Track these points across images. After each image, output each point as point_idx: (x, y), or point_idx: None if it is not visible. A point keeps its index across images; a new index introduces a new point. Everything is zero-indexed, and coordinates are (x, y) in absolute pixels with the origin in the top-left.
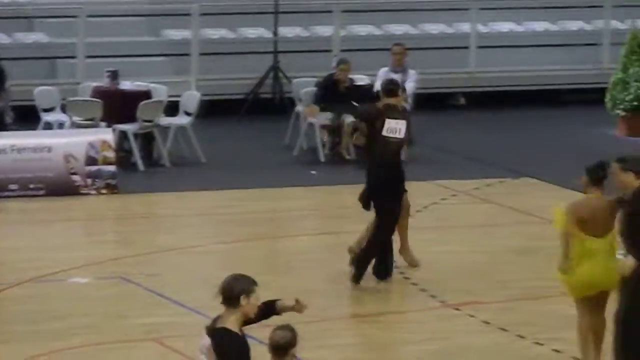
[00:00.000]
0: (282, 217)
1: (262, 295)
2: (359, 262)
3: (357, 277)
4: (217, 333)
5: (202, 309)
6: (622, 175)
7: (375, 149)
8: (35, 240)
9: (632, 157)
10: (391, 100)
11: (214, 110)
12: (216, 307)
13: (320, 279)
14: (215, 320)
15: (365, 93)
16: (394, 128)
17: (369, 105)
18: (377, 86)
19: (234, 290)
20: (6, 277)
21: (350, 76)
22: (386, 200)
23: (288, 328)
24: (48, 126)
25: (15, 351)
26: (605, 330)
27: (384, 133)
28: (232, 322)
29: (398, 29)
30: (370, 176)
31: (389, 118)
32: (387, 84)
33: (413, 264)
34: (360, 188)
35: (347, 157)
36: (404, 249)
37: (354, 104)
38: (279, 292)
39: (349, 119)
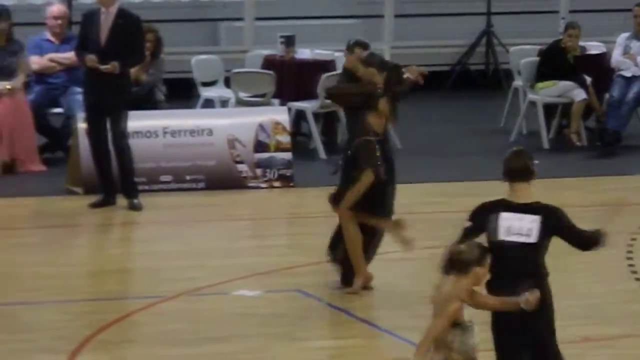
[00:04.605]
0: None
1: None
2: None
3: None
4: None
5: (397, 330)
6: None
7: None
8: (191, 243)
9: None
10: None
11: None
12: (413, 328)
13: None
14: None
15: (598, 64)
16: None
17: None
18: (616, 56)
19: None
20: (155, 288)
21: (581, 43)
22: None
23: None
24: (208, 104)
25: None
26: None
27: None
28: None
29: None
30: None
31: None
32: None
33: None
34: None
35: (577, 143)
36: None
37: (585, 77)
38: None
39: (580, 95)
